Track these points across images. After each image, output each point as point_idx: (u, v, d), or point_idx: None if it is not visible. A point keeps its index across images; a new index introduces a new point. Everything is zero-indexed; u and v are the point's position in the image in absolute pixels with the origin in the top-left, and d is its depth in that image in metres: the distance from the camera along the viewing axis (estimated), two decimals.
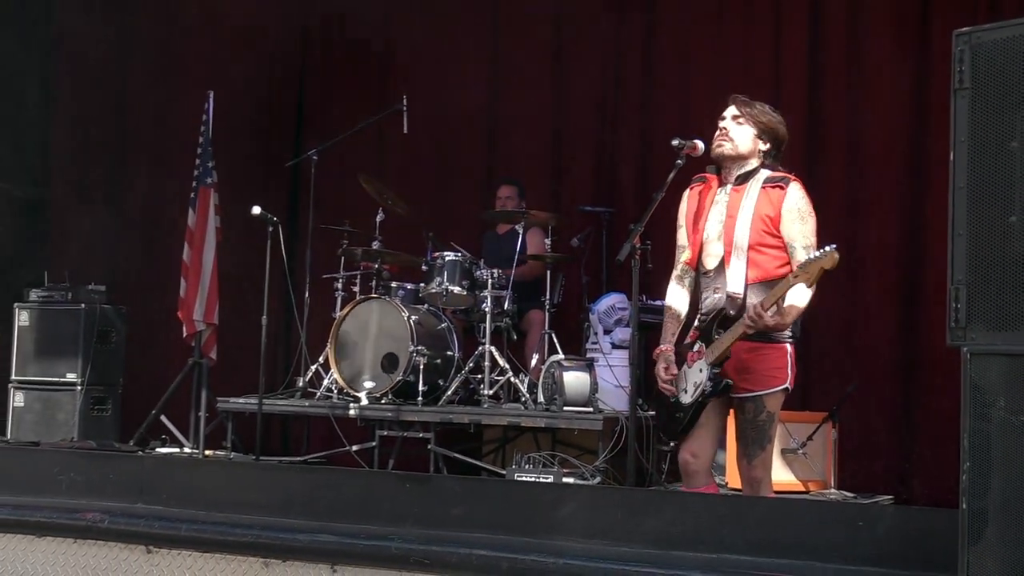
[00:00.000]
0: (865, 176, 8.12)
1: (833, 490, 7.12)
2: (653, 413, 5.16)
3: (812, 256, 4.66)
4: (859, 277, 8.03)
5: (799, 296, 4.76)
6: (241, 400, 7.88)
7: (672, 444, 6.53)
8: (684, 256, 5.16)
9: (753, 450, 4.91)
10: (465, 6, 9.51)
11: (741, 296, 4.88)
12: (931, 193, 7.71)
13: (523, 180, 8.78)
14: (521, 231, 7.89)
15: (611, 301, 7.86)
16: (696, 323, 5.11)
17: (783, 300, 4.72)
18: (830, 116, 8.28)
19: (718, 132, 5.06)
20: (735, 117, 5.05)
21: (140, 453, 7.63)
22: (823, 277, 4.69)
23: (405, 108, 8.43)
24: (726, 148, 5.01)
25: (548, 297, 7.90)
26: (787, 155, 8.02)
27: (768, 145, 5.06)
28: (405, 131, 8.49)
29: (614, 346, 7.69)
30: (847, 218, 8.11)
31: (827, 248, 4.64)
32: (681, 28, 8.83)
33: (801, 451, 7.03)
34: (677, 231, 5.20)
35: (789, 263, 4.89)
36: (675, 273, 5.19)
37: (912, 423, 7.78)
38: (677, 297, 5.16)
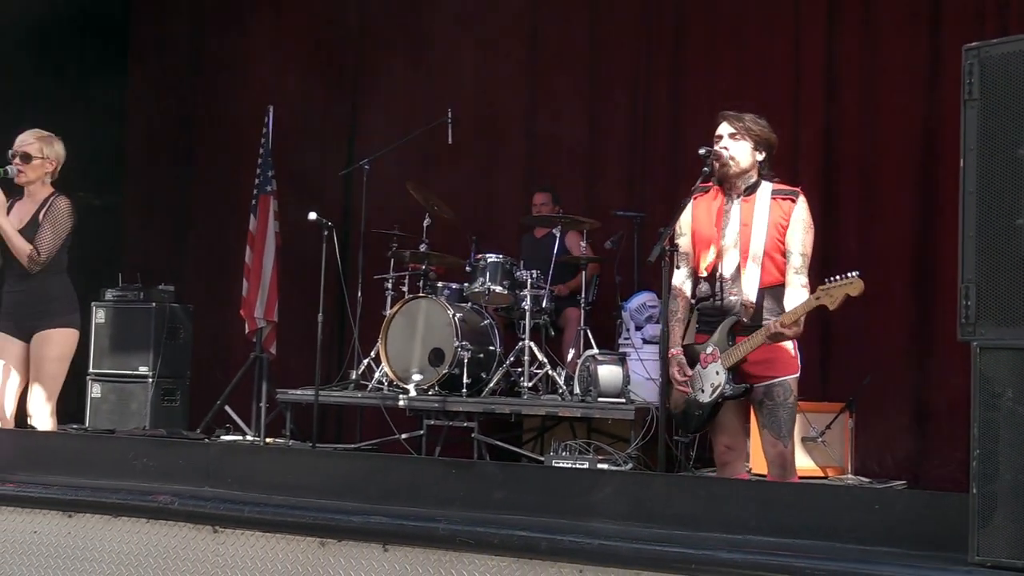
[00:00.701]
0: (879, 182, 8.09)
1: (850, 476, 7.09)
2: (669, 408, 5.14)
3: (837, 280, 4.66)
4: (874, 277, 7.94)
5: (801, 298, 4.81)
6: (299, 392, 7.92)
7: (689, 437, 6.54)
8: (687, 262, 5.14)
9: (787, 430, 4.89)
10: (506, 27, 9.55)
11: (754, 304, 4.89)
12: (942, 197, 7.68)
13: (559, 187, 8.79)
14: (558, 235, 7.90)
15: (642, 299, 7.85)
16: (698, 324, 5.09)
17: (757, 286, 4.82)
18: (846, 123, 8.27)
19: (717, 153, 5.00)
20: (731, 135, 4.99)
21: (206, 440, 7.68)
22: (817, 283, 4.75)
23: (450, 120, 8.46)
24: (731, 167, 4.97)
25: (584, 296, 7.91)
26: (807, 161, 8.17)
27: (764, 154, 5.02)
28: (450, 142, 8.52)
29: (645, 341, 7.68)
30: (863, 221, 8.08)
31: (852, 275, 4.66)
32: (706, 47, 8.83)
33: (820, 439, 7.01)
34: (679, 238, 5.16)
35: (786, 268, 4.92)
36: (678, 279, 5.15)
37: (924, 413, 7.75)
38: (682, 302, 5.13)
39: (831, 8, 8.37)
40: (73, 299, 6.13)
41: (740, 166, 4.97)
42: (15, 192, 6.11)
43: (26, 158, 6.01)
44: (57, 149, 6.14)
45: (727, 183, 5.03)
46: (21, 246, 5.88)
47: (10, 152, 6.05)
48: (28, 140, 6.08)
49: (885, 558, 3.16)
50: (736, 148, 4.97)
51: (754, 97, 8.24)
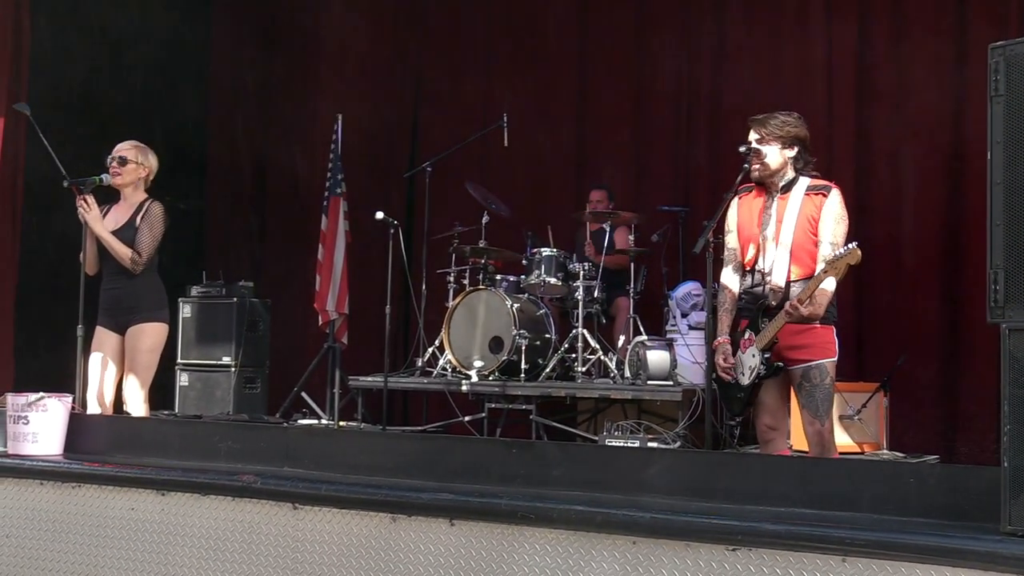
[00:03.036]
0: (910, 173, 8.01)
1: (885, 451, 7.02)
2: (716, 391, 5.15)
3: (838, 253, 4.66)
4: (907, 262, 7.94)
5: (828, 284, 4.75)
6: (369, 378, 7.96)
7: (736, 420, 6.52)
8: (733, 257, 5.12)
9: (825, 410, 4.87)
10: (556, 35, 9.56)
11: (783, 289, 4.87)
12: (969, 187, 7.59)
13: (609, 184, 8.77)
14: (609, 229, 7.89)
15: (688, 288, 7.82)
16: (741, 313, 5.09)
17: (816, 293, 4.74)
18: (877, 120, 8.19)
19: (756, 151, 4.98)
20: (759, 141, 4.98)
21: (285, 424, 7.73)
22: (853, 270, 4.71)
23: (506, 124, 8.45)
24: (761, 172, 4.97)
25: (633, 286, 7.90)
26: (840, 154, 8.11)
27: (795, 150, 4.98)
28: (506, 144, 8.51)
29: (691, 327, 7.65)
30: (895, 211, 8.02)
31: (850, 245, 4.64)
32: (744, 51, 8.77)
33: (856, 417, 6.95)
34: (727, 235, 5.15)
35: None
36: (726, 272, 5.14)
37: (955, 391, 7.68)
38: (730, 292, 5.13)
39: (861, 13, 8.29)
40: (163, 296, 6.22)
41: (770, 168, 4.96)
42: (112, 197, 6.20)
43: (123, 161, 6.15)
44: (152, 159, 6.27)
45: (765, 183, 5.01)
46: (123, 251, 5.99)
47: (108, 157, 6.16)
48: (125, 147, 6.22)
49: (920, 528, 3.14)
50: (765, 152, 4.94)
51: (790, 96, 8.24)
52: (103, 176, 6.07)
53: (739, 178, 5.06)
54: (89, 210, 5.98)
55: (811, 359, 4.87)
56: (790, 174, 4.99)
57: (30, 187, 8.07)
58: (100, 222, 6.01)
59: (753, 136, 4.99)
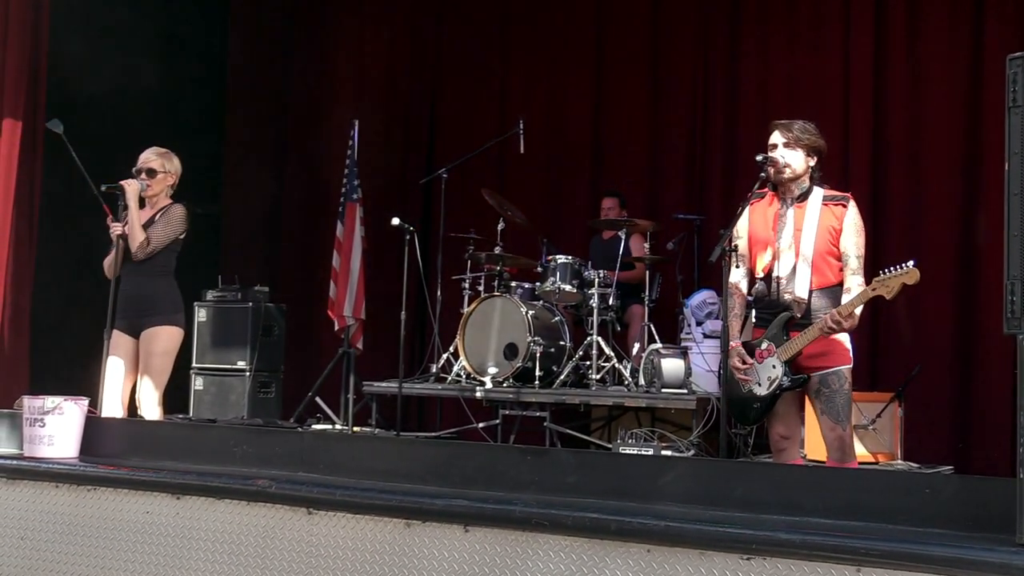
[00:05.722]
0: (925, 182, 8.00)
1: (900, 461, 7.00)
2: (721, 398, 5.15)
3: (893, 271, 4.64)
4: (923, 271, 7.84)
5: (863, 299, 4.76)
6: (384, 384, 7.97)
7: (747, 429, 6.50)
8: (744, 263, 5.13)
9: (845, 415, 4.89)
10: (572, 44, 9.58)
11: (806, 301, 4.88)
12: (986, 196, 7.57)
13: (623, 193, 8.76)
14: (624, 237, 7.89)
15: (703, 296, 7.81)
16: (755, 320, 5.09)
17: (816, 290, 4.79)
18: (893, 126, 8.17)
19: (773, 160, 4.99)
20: (784, 144, 4.98)
21: (299, 429, 7.73)
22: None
23: (521, 131, 8.46)
24: (787, 174, 4.97)
25: (647, 294, 7.90)
26: (856, 162, 8.10)
27: (815, 159, 5.01)
28: (522, 151, 8.52)
29: (705, 336, 7.63)
30: (910, 220, 8.01)
31: (908, 264, 4.64)
32: (759, 57, 8.78)
33: (871, 426, 6.93)
34: (737, 241, 5.15)
35: (843, 271, 4.90)
36: (735, 277, 5.14)
37: (970, 402, 7.66)
38: (740, 293, 5.14)
39: (877, 16, 8.27)
40: (178, 300, 6.25)
41: (795, 172, 4.96)
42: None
43: (151, 173, 6.22)
44: (176, 163, 6.35)
45: (782, 188, 5.02)
46: (139, 234, 6.06)
47: (134, 169, 6.21)
48: (151, 157, 6.27)
49: (935, 539, 3.12)
50: (790, 155, 4.96)
51: (806, 102, 8.25)
52: (132, 182, 6.14)
53: (755, 186, 5.06)
54: (129, 186, 6.08)
55: (829, 366, 4.88)
56: (807, 183, 5.00)
57: (48, 192, 8.10)
58: (137, 199, 6.11)
59: (779, 139, 4.99)
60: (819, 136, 5.03)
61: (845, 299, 4.81)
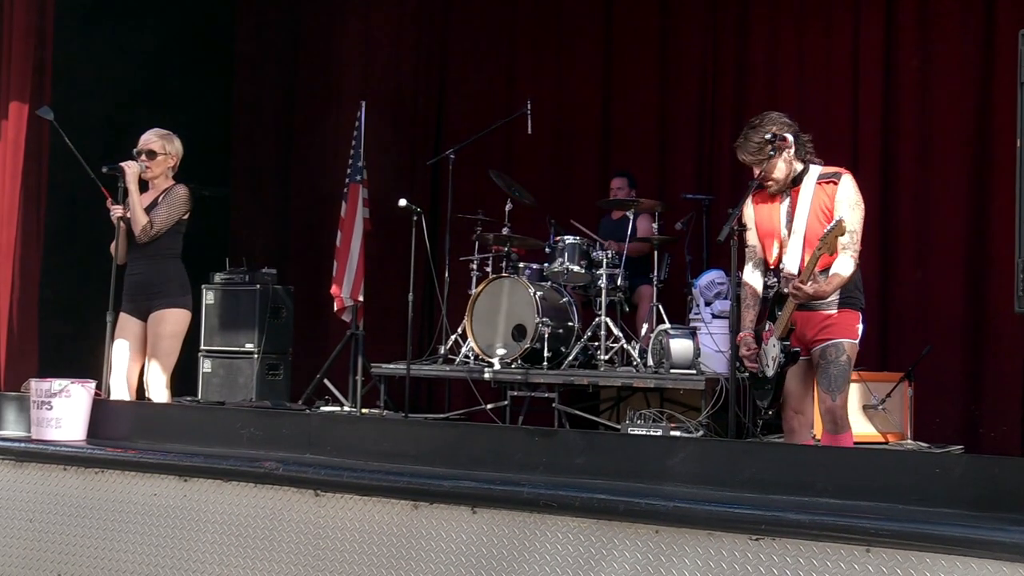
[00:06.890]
0: (936, 163, 7.96)
1: (910, 441, 7.00)
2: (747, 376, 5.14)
3: (827, 228, 4.61)
4: (933, 253, 7.89)
5: (841, 267, 4.75)
6: (392, 366, 7.97)
7: (768, 412, 6.50)
8: (754, 254, 5.12)
9: (837, 386, 4.85)
10: (581, 24, 9.53)
11: (796, 277, 4.84)
12: (996, 177, 7.53)
13: (633, 172, 8.73)
14: (632, 216, 7.86)
15: (711, 277, 7.79)
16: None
17: (818, 272, 4.72)
18: (903, 109, 8.13)
19: (763, 179, 4.97)
20: (755, 163, 4.97)
21: (307, 411, 7.74)
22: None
23: (529, 111, 8.43)
24: (775, 185, 4.97)
25: (656, 274, 7.87)
26: (865, 144, 8.05)
27: (792, 145, 4.93)
28: (529, 132, 8.49)
29: (714, 316, 7.62)
30: (921, 202, 7.97)
31: (836, 219, 4.61)
32: (768, 40, 8.75)
33: (881, 407, 6.92)
34: (747, 232, 5.14)
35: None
36: (748, 267, 5.14)
37: (980, 381, 7.65)
38: (752, 288, 5.13)
39: (888, 3, 8.22)
40: (185, 282, 6.24)
41: (781, 176, 4.97)
42: (141, 185, 6.21)
43: (151, 155, 6.18)
44: (177, 145, 6.30)
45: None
46: (141, 217, 6.04)
47: (135, 151, 6.18)
48: (151, 139, 6.23)
49: (946, 519, 3.11)
50: (768, 168, 4.93)
51: (815, 83, 8.22)
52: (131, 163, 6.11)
53: (753, 185, 5.05)
54: (128, 168, 6.06)
55: (830, 338, 4.88)
56: (798, 167, 4.97)
57: (54, 176, 8.10)
58: (136, 182, 6.07)
59: (747, 160, 4.99)
60: (781, 123, 4.95)
61: (831, 270, 4.78)
